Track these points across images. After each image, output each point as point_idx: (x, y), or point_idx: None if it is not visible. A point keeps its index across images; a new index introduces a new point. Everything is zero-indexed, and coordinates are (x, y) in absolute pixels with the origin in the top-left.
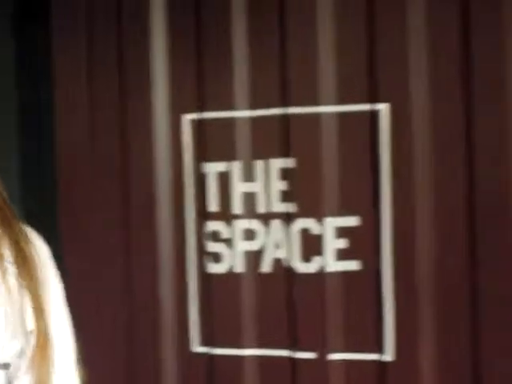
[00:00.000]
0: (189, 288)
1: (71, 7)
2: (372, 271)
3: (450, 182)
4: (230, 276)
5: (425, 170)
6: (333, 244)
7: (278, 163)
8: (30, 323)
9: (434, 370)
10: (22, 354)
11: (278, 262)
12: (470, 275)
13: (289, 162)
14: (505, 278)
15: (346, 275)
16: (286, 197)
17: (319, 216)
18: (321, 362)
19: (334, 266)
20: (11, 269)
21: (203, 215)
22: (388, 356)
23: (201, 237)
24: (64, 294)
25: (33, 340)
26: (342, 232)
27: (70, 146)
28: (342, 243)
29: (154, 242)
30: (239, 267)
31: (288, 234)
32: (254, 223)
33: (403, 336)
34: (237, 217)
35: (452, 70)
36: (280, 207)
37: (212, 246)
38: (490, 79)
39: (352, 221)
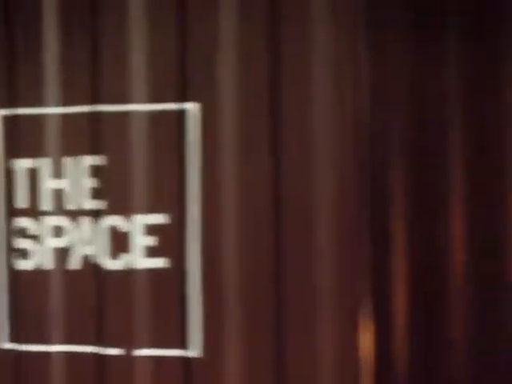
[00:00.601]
0: None
1: None
2: (180, 269)
3: (257, 181)
4: (38, 272)
5: (232, 170)
6: (141, 241)
7: (87, 160)
8: None
9: (240, 366)
10: None
11: (86, 259)
12: (275, 274)
13: (98, 160)
14: (309, 276)
15: (153, 272)
16: (95, 194)
17: (128, 213)
18: (127, 357)
19: (142, 263)
20: None
21: (12, 211)
22: (194, 352)
23: (9, 233)
24: None
25: None
26: (150, 229)
27: None
28: (151, 240)
29: None
30: (47, 264)
31: (97, 231)
32: (62, 220)
33: (210, 333)
34: (45, 213)
35: (260, 70)
36: (89, 204)
37: (20, 243)
38: (296, 78)
39: (160, 218)
